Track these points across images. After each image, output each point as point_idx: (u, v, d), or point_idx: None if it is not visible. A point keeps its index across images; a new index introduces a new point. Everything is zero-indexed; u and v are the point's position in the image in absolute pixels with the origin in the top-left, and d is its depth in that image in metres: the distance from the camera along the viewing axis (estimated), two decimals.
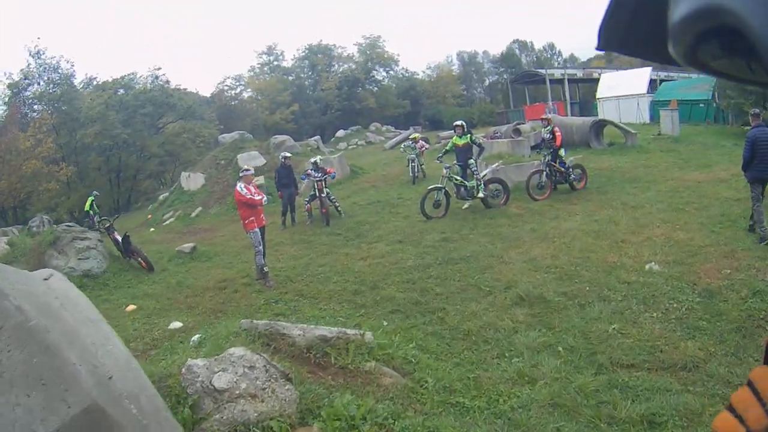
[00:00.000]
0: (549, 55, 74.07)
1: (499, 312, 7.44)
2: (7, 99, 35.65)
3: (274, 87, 52.14)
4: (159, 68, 40.64)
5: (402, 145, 21.34)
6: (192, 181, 23.43)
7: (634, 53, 0.64)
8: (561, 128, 22.68)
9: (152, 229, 20.23)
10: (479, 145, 13.30)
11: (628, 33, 0.59)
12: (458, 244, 10.80)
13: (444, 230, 11.90)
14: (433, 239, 11.32)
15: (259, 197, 9.86)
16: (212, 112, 43.24)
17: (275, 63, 57.49)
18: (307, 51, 57.36)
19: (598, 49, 0.66)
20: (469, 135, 13.27)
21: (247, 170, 10.27)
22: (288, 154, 15.76)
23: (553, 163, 13.62)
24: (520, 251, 9.90)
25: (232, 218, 18.09)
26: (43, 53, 34.53)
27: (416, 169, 18.80)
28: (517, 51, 72.47)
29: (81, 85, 39.27)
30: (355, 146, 40.14)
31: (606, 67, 52.33)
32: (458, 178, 13.08)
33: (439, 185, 12.98)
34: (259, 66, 57.38)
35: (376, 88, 57.83)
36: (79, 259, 12.27)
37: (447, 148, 13.65)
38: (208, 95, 53.62)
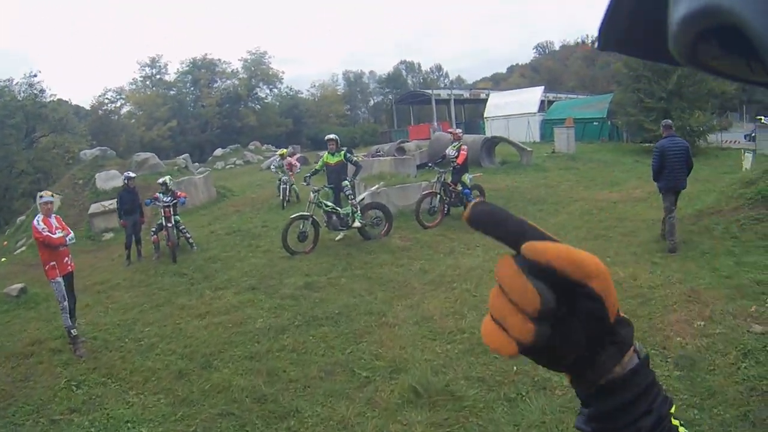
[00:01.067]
0: (436, 77, 74.40)
1: (385, 419, 4.57)
2: None
3: (153, 102, 48.76)
4: (35, 75, 34.82)
5: (272, 165, 18.14)
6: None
7: (634, 53, 0.59)
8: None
9: (2, 259, 16.26)
10: (355, 164, 10.81)
11: (628, 33, 0.54)
12: (326, 293, 7.92)
13: (310, 271, 9.02)
14: (294, 285, 8.37)
15: (61, 234, 7.26)
16: (85, 127, 38.52)
17: (158, 76, 53.63)
18: (190, 65, 53.76)
19: (599, 49, 0.60)
20: (342, 152, 10.71)
21: (42, 197, 7.61)
22: (132, 175, 12.55)
23: (451, 184, 11.44)
24: (409, 304, 7.15)
25: (82, 248, 14.75)
26: None
27: (287, 192, 16.06)
28: (404, 72, 72.41)
29: None
30: (233, 166, 37.37)
31: (493, 89, 52.53)
32: (329, 203, 10.40)
33: (306, 213, 10.15)
34: (141, 78, 53.30)
35: (258, 106, 55.35)
36: None
37: (317, 167, 11.02)
38: (88, 107, 49.43)
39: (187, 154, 30.19)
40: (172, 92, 52.51)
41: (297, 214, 10.21)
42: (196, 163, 39.48)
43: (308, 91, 63.90)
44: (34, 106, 33.47)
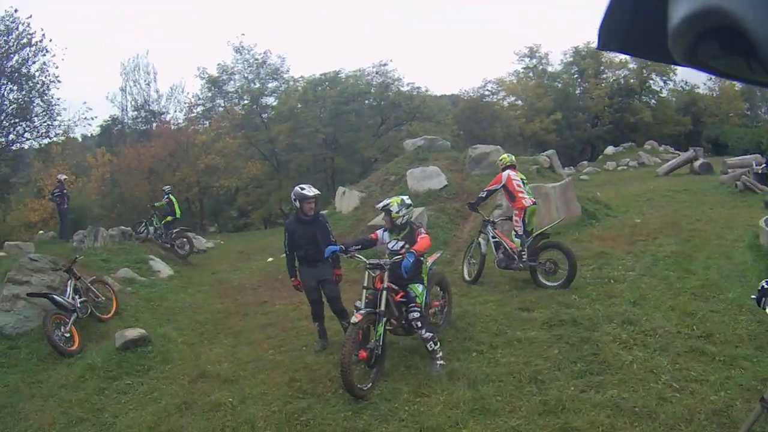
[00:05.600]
0: None
1: None
2: (209, 93, 31.00)
3: (533, 92, 40.96)
4: (385, 64, 31.69)
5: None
6: (346, 200, 14.05)
7: (634, 53, 0.62)
8: None
9: (270, 259, 12.81)
10: None
11: (628, 33, 0.57)
12: None
13: None
14: None
15: None
16: (447, 116, 34.05)
17: (540, 67, 44.33)
18: (574, 54, 43.76)
19: (598, 48, 0.61)
20: None
21: None
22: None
23: None
24: None
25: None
26: (251, 49, 29.92)
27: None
28: None
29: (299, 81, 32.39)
30: (625, 167, 29.37)
31: None
32: None
33: None
34: (523, 70, 43.97)
35: (653, 101, 44.22)
36: None
37: None
38: (455, 95, 43.53)
39: (552, 150, 19.63)
40: (557, 83, 42.75)
41: None
42: (587, 162, 32.91)
43: (705, 84, 45.72)
44: (384, 93, 30.73)
